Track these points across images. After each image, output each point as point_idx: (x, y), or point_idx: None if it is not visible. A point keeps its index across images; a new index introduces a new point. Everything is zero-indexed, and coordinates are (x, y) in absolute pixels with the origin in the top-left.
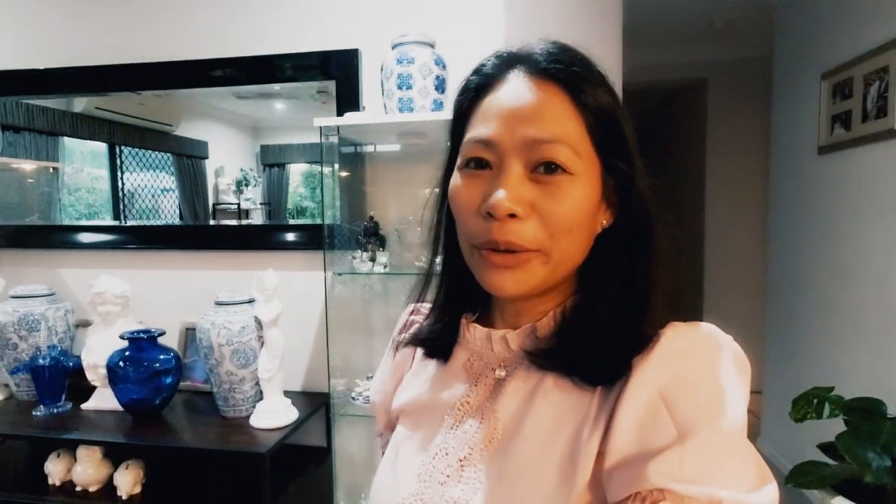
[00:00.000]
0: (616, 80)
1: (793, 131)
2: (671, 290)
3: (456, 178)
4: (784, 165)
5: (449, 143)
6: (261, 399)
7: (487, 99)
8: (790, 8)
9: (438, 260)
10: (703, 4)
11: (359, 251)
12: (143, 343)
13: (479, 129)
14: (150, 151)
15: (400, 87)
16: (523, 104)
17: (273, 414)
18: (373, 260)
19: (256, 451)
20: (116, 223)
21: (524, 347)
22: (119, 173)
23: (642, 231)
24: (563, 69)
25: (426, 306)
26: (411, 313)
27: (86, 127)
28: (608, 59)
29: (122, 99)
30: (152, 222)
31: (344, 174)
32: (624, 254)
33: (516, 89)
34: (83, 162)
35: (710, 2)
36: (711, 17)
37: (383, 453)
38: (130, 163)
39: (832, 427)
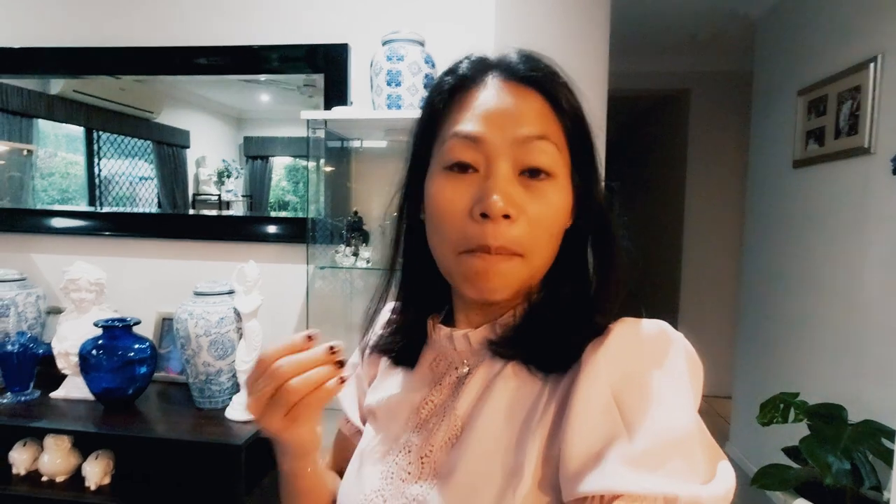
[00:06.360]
0: (601, 86)
1: (770, 145)
2: (625, 286)
3: (440, 181)
4: (761, 177)
5: (413, 145)
6: (238, 391)
7: (466, 99)
8: (770, 25)
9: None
10: (688, 17)
11: (342, 245)
12: (117, 331)
13: (464, 124)
14: (129, 138)
15: (389, 84)
16: (508, 105)
17: None
18: (356, 255)
19: (232, 442)
20: (92, 209)
21: (487, 339)
22: (96, 159)
23: (602, 230)
24: (538, 75)
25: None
26: (392, 311)
27: (62, 110)
28: (594, 65)
29: (101, 83)
30: (130, 209)
31: (329, 168)
32: (583, 252)
33: (497, 92)
34: (57, 146)
35: (695, 15)
36: (696, 30)
37: (335, 446)
38: (108, 149)
39: (798, 431)
